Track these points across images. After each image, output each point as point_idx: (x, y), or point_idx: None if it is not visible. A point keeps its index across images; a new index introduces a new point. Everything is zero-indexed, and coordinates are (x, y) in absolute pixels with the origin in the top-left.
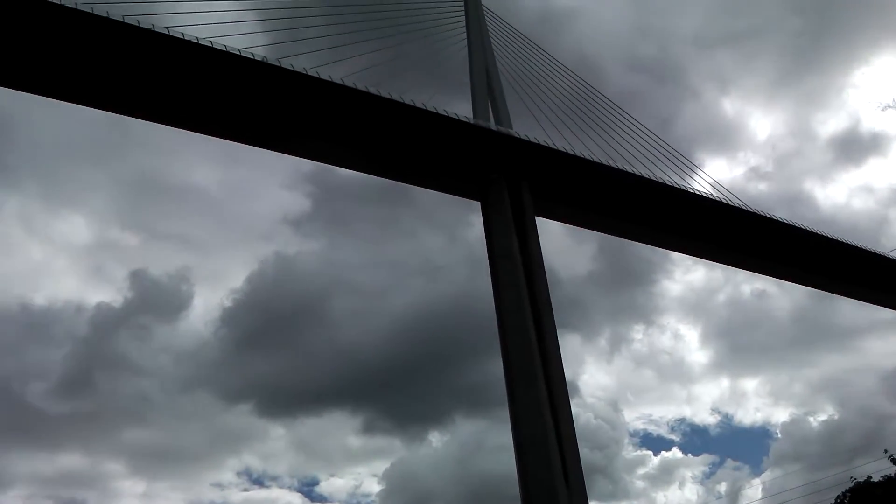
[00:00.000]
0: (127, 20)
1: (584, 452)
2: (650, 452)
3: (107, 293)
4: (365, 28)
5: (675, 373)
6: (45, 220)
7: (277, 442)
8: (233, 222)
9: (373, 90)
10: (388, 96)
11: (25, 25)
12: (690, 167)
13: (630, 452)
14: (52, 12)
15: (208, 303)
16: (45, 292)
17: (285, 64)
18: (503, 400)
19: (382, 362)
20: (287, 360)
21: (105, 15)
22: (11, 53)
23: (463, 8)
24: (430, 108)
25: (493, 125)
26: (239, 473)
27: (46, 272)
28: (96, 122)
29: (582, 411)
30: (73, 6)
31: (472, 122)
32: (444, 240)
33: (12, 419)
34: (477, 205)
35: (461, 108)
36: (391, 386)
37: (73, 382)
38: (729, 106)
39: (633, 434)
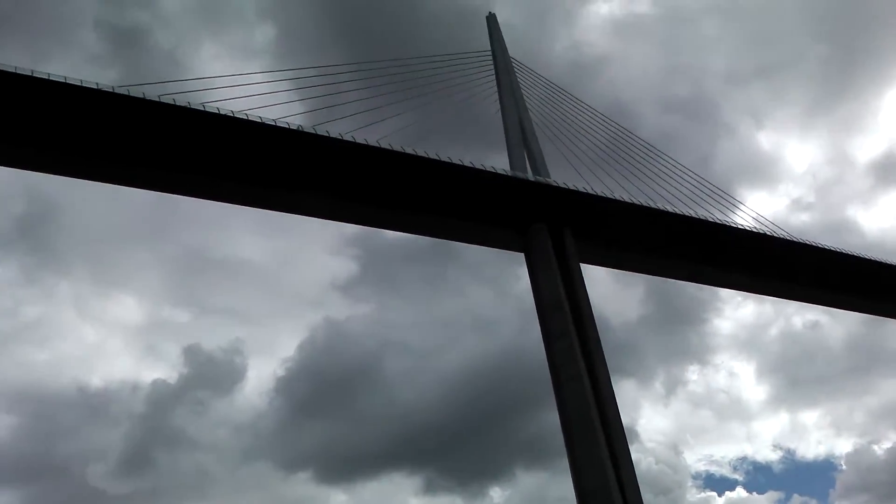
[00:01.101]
0: (164, 100)
1: (648, 498)
2: (714, 493)
3: (162, 370)
4: (396, 90)
5: (733, 411)
6: (97, 302)
7: None
8: (281, 291)
9: (409, 150)
10: (425, 155)
11: (64, 108)
12: (732, 203)
13: (694, 495)
14: (88, 97)
15: (262, 373)
16: (101, 373)
17: (321, 131)
18: (563, 450)
19: (438, 421)
20: (343, 425)
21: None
22: (54, 141)
23: (492, 63)
24: (467, 163)
25: (530, 175)
26: None
27: (101, 353)
28: (142, 202)
29: (642, 457)
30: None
31: (510, 174)
32: (493, 294)
33: (75, 502)
34: (522, 256)
35: (497, 160)
36: (448, 444)
37: (133, 461)
38: (765, 139)
39: (696, 476)
